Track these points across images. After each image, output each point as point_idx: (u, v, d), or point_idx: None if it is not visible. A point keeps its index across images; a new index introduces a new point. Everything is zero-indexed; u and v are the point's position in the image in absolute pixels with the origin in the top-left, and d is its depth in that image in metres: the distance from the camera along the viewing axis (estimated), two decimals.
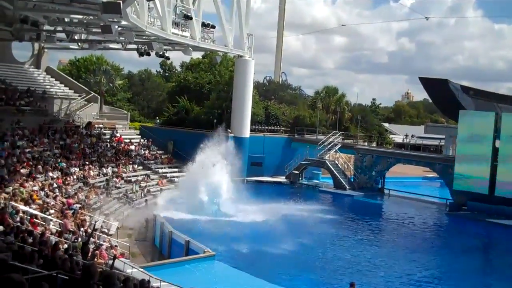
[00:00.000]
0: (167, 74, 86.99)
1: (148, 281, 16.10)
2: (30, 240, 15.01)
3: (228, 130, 49.78)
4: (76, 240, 20.41)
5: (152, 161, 46.36)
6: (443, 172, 45.84)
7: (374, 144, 60.82)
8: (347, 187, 48.21)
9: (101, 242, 23.02)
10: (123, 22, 27.43)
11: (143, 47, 39.03)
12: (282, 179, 51.76)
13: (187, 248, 25.32)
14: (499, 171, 40.97)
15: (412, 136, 65.62)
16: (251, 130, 51.86)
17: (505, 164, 40.67)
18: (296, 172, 50.99)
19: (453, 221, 41.58)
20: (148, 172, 43.50)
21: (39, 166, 30.92)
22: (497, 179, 40.90)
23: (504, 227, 38.20)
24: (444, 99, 47.48)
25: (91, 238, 21.19)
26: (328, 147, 51.23)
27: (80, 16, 30.55)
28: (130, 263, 21.22)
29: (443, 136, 56.65)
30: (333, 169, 49.28)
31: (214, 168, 37.33)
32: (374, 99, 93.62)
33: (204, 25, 41.31)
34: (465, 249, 32.93)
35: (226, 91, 54.80)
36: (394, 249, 31.48)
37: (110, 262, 20.25)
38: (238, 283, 22.97)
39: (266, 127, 55.86)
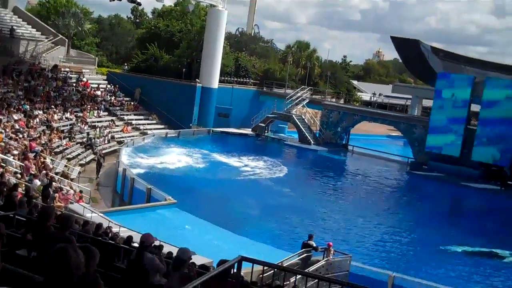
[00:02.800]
0: (137, 20, 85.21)
1: (108, 226, 16.42)
2: None
3: (197, 80, 49.57)
4: (32, 182, 20.39)
5: (118, 108, 46.03)
6: (407, 132, 46.68)
7: (341, 101, 61.27)
8: (312, 142, 48.69)
9: (62, 186, 23.10)
10: None
11: None
12: (248, 131, 51.92)
13: (149, 196, 25.60)
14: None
15: (380, 94, 66.12)
16: (220, 81, 51.69)
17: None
18: (263, 125, 51.20)
19: (412, 179, 42.73)
20: (113, 118, 43.26)
21: (3, 108, 30.54)
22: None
23: (463, 187, 39.37)
24: (414, 59, 47.75)
25: (53, 182, 21.31)
26: (296, 101, 51.44)
27: None
28: (90, 207, 21.43)
29: (410, 96, 57.30)
30: (299, 123, 49.62)
31: None
32: (345, 56, 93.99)
33: None
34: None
35: (197, 41, 54.19)
36: (351, 203, 32.49)
37: (70, 205, 20.50)
38: (198, 230, 23.34)
39: (235, 79, 55.71)
